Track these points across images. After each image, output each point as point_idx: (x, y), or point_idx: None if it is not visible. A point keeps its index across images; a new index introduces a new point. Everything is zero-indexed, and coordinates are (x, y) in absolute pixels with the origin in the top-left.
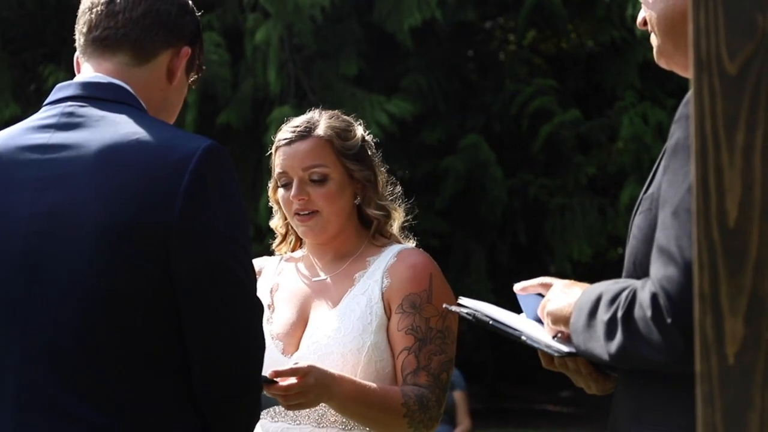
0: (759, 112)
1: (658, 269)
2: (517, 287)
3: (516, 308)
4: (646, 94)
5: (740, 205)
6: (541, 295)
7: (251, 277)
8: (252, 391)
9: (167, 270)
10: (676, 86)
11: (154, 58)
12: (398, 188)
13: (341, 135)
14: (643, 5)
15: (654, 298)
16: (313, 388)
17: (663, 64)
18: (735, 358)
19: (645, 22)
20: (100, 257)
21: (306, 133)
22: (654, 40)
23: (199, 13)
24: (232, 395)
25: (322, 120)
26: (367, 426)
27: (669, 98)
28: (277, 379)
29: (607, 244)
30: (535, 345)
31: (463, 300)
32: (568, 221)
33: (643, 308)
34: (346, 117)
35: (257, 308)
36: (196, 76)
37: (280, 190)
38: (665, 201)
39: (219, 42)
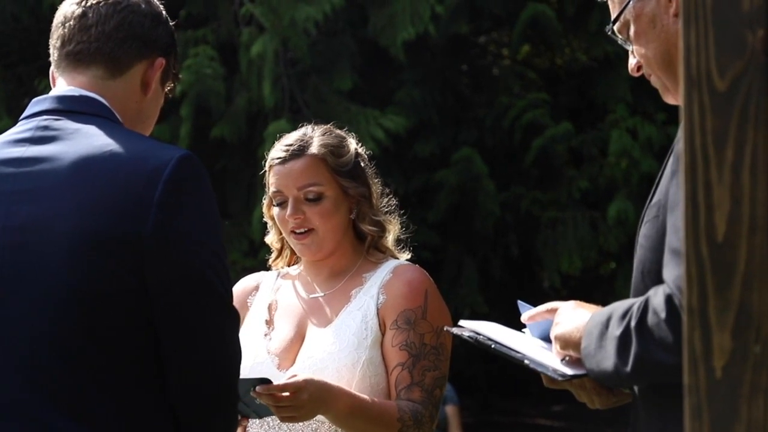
0: (748, 128)
1: (672, 270)
2: (524, 317)
3: (514, 325)
4: (638, 108)
5: (728, 220)
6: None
7: (227, 286)
8: (228, 401)
9: (143, 280)
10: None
11: (128, 70)
12: (392, 200)
13: (335, 152)
14: (633, 53)
15: (669, 299)
16: (306, 403)
17: (671, 100)
18: (722, 372)
19: (639, 68)
20: (75, 269)
21: (299, 151)
22: (656, 81)
23: (191, 28)
24: (208, 405)
25: (315, 137)
26: None
27: (660, 112)
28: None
29: (598, 258)
30: (539, 369)
31: (463, 322)
32: (559, 235)
33: (657, 313)
34: (338, 131)
35: (233, 317)
36: (172, 85)
37: (276, 209)
38: (675, 204)
39: (213, 56)
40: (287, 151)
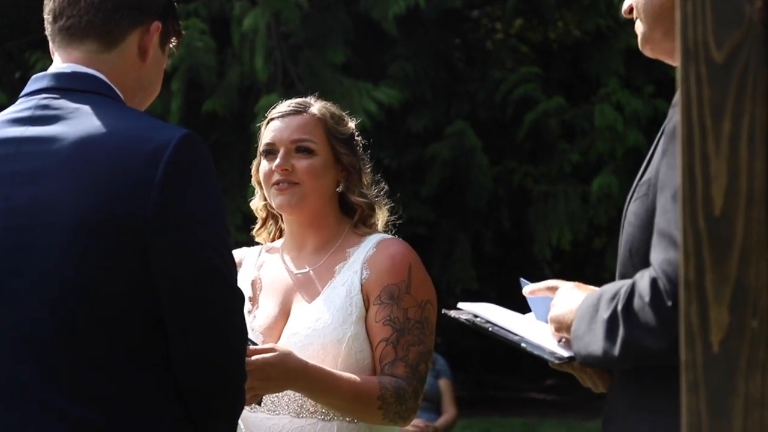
0: (745, 100)
1: (659, 253)
2: (526, 291)
3: (502, 301)
4: (630, 81)
5: (726, 193)
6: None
7: (230, 266)
8: (235, 382)
9: (145, 262)
10: (661, 74)
11: (122, 41)
12: (384, 186)
13: (334, 117)
14: None
15: (654, 282)
16: (273, 377)
17: (648, 51)
18: (719, 346)
19: (631, 10)
20: (75, 250)
21: (301, 109)
22: (640, 27)
23: (182, 2)
24: (216, 386)
25: (317, 102)
26: (343, 415)
27: (649, 85)
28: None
29: (588, 231)
30: (536, 352)
31: (462, 305)
32: (550, 208)
33: (642, 297)
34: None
35: (237, 298)
36: (176, 42)
37: (264, 163)
38: (664, 185)
39: (205, 29)
40: (289, 106)
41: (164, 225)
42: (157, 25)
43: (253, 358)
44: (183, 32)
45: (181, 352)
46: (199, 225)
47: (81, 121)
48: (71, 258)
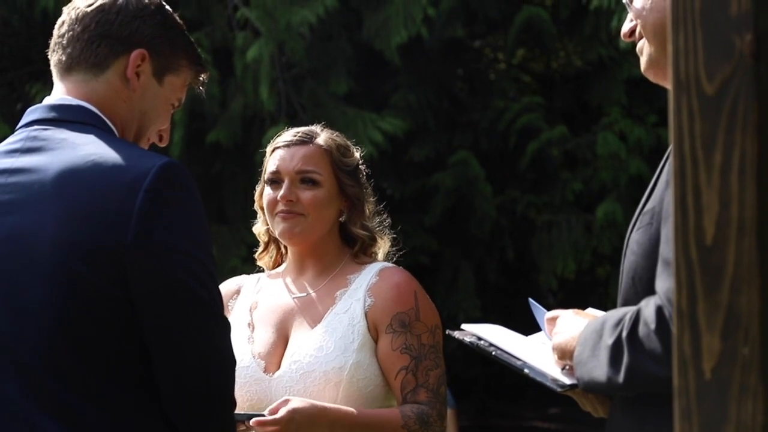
0: (736, 132)
1: (664, 282)
2: (544, 318)
3: (512, 329)
4: (633, 110)
5: (717, 223)
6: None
7: (213, 293)
8: (223, 408)
9: (126, 289)
10: (663, 104)
11: (106, 68)
12: (386, 219)
13: (340, 149)
14: (632, 14)
15: (659, 310)
16: (289, 422)
17: (651, 75)
18: (711, 373)
19: (631, 33)
20: (56, 278)
21: (307, 139)
22: (646, 48)
23: (187, 31)
24: (203, 413)
25: (323, 132)
26: None
27: (652, 115)
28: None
29: (593, 260)
30: (538, 378)
31: (466, 326)
32: (554, 238)
33: (648, 324)
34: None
35: (221, 325)
36: (200, 78)
37: (267, 190)
38: (669, 214)
39: (208, 60)
40: (295, 136)
41: (143, 252)
42: (139, 54)
43: (269, 419)
44: (204, 67)
45: (164, 378)
46: (179, 252)
47: (66, 151)
48: (51, 285)
